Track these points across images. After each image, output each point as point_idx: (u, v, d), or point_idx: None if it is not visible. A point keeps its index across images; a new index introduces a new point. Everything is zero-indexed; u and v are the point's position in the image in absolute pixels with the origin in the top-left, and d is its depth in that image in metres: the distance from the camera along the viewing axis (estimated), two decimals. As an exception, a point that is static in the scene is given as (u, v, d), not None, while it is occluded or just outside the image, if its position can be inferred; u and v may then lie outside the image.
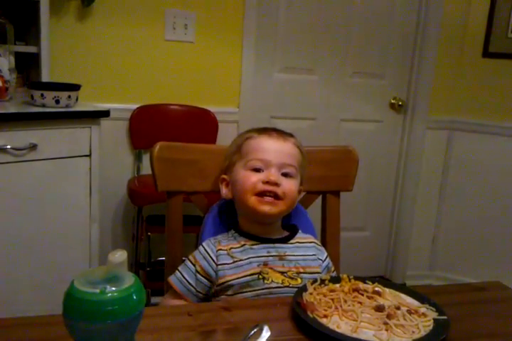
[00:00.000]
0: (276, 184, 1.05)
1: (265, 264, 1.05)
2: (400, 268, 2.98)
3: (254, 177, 1.06)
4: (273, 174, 1.06)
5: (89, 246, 1.90)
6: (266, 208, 1.05)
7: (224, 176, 1.16)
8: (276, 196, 1.06)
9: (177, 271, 1.09)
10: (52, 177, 1.78)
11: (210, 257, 1.07)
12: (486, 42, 2.67)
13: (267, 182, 1.05)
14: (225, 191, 1.15)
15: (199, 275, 1.06)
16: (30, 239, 1.76)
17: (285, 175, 1.08)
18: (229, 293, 1.03)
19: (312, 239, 1.18)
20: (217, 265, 1.05)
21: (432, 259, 2.98)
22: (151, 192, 2.05)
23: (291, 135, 1.16)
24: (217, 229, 1.19)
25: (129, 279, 0.62)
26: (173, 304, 1.07)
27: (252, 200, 1.06)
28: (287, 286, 1.03)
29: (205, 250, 1.08)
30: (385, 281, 1.00)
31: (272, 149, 1.09)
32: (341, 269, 1.29)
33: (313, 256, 1.13)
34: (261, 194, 1.06)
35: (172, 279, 1.09)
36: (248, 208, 1.07)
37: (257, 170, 1.08)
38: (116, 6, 2.31)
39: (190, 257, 1.10)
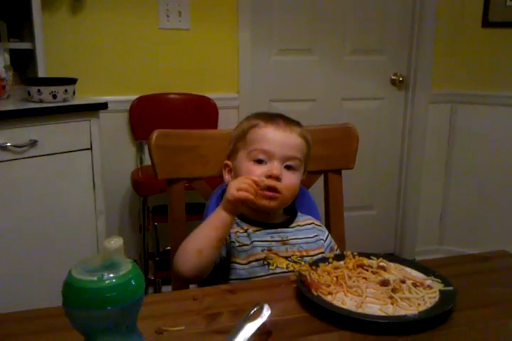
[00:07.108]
0: (277, 178, 1.05)
1: (269, 250, 1.05)
2: (409, 245, 2.97)
3: (257, 171, 1.06)
4: (276, 167, 1.05)
5: (97, 239, 1.91)
6: (265, 202, 1.05)
7: (227, 162, 1.16)
8: (276, 190, 1.05)
9: None
10: (55, 173, 1.79)
11: None
12: (485, 11, 2.62)
13: (270, 176, 1.04)
14: (227, 177, 1.15)
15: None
16: (36, 234, 1.77)
17: (288, 167, 1.08)
18: (232, 276, 1.04)
19: (311, 220, 1.18)
20: (230, 242, 1.06)
21: (441, 234, 2.98)
22: (155, 183, 2.04)
23: (298, 124, 1.14)
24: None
25: (127, 265, 0.62)
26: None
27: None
28: (292, 271, 1.03)
29: None
30: (390, 256, 0.99)
31: (277, 140, 1.08)
32: (350, 249, 1.27)
33: (315, 238, 1.13)
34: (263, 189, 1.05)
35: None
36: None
37: (260, 161, 1.07)
38: (107, -3, 2.29)
39: None
